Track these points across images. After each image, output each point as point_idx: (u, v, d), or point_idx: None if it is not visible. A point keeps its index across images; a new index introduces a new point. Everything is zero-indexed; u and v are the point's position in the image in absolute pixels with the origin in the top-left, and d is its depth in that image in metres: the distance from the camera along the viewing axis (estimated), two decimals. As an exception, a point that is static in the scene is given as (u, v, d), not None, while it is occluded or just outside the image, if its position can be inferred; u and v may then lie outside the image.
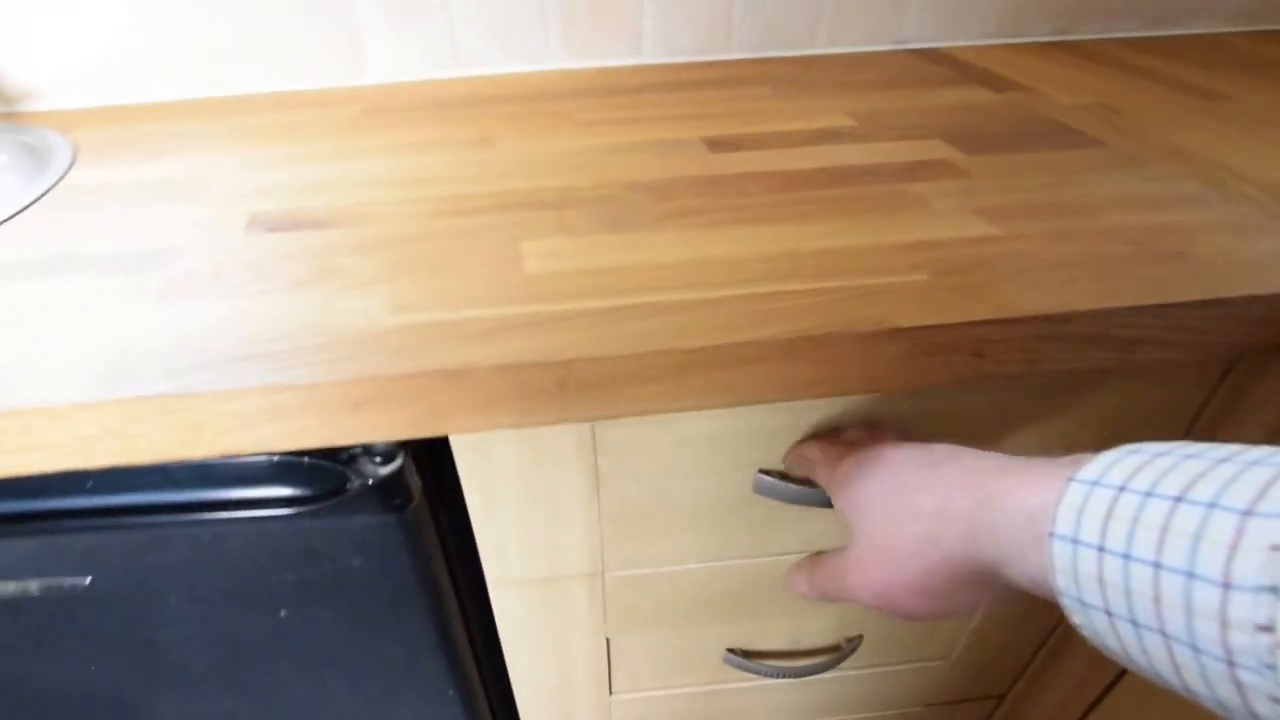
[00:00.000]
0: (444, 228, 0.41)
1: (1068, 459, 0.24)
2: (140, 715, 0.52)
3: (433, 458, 0.41)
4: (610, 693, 0.56)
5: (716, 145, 0.51)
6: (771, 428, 0.39)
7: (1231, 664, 0.18)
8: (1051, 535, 0.22)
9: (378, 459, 0.39)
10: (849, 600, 0.32)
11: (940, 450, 0.30)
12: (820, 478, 0.36)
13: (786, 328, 0.32)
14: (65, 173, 0.52)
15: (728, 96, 0.60)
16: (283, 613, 0.45)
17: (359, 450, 0.38)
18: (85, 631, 0.45)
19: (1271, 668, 0.17)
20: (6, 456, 0.31)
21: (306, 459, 0.38)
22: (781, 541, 0.45)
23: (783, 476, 0.40)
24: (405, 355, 0.31)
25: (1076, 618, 0.22)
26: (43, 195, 0.49)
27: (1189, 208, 0.39)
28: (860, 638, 0.53)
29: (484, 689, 0.54)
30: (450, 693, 0.52)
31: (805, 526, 0.44)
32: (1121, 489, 0.21)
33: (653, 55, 0.69)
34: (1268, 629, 0.17)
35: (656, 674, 0.55)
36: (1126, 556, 0.20)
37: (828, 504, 0.36)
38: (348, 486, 0.39)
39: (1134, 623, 0.20)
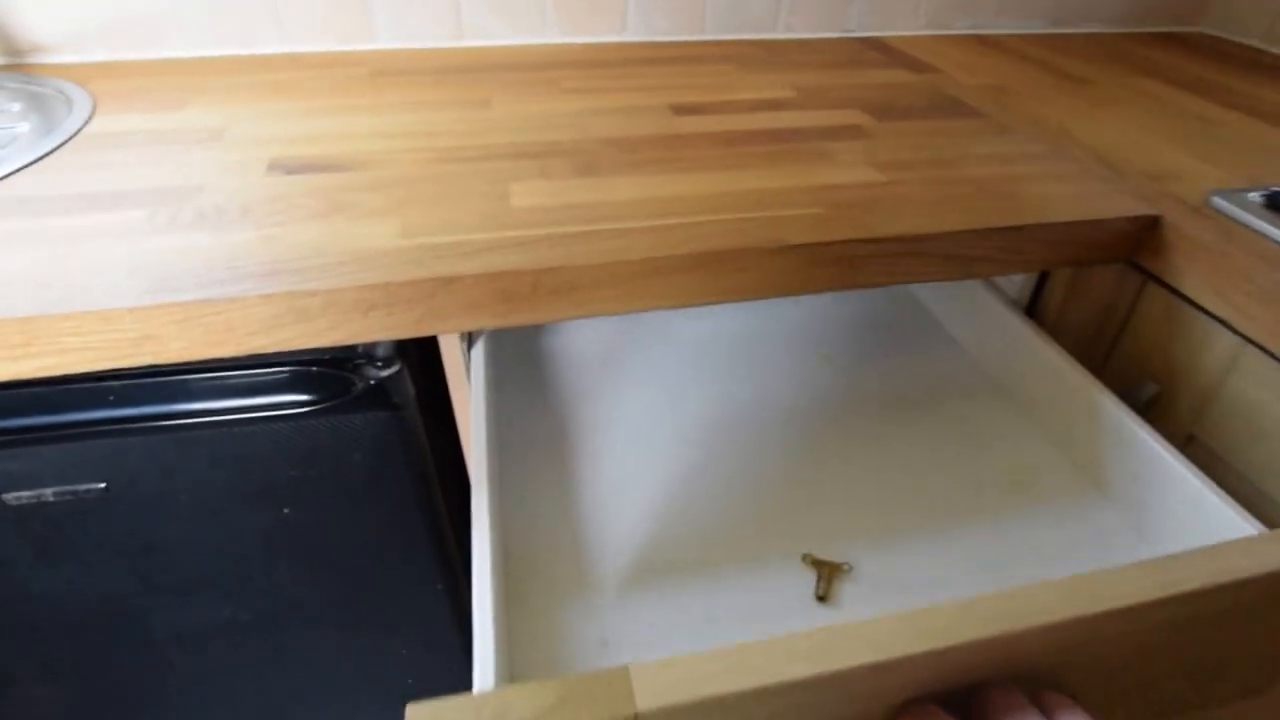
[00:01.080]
0: (445, 172, 0.48)
1: None
2: (140, 626, 0.53)
3: (426, 377, 0.48)
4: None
5: (680, 110, 0.61)
6: (875, 689, 0.28)
7: None
8: None
9: (379, 363, 0.45)
10: None
11: None
12: None
13: (711, 245, 0.42)
14: (87, 121, 0.54)
15: (696, 71, 0.71)
16: (286, 510, 0.48)
17: (363, 360, 0.45)
18: (95, 538, 0.46)
19: None
20: (56, 356, 0.36)
21: (315, 368, 0.44)
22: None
23: None
24: (410, 267, 0.38)
25: None
26: (67, 141, 0.51)
27: (1030, 162, 0.51)
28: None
29: (469, 582, 0.58)
30: (439, 586, 0.57)
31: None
32: None
33: (635, 34, 0.79)
34: None
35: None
36: None
37: None
38: (352, 389, 0.45)
39: None
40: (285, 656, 0.59)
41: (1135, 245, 0.47)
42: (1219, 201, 0.46)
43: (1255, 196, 0.45)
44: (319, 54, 0.72)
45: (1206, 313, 0.44)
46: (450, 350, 0.51)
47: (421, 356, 0.50)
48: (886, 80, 0.68)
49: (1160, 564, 0.30)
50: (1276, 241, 0.42)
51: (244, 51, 0.71)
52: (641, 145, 0.55)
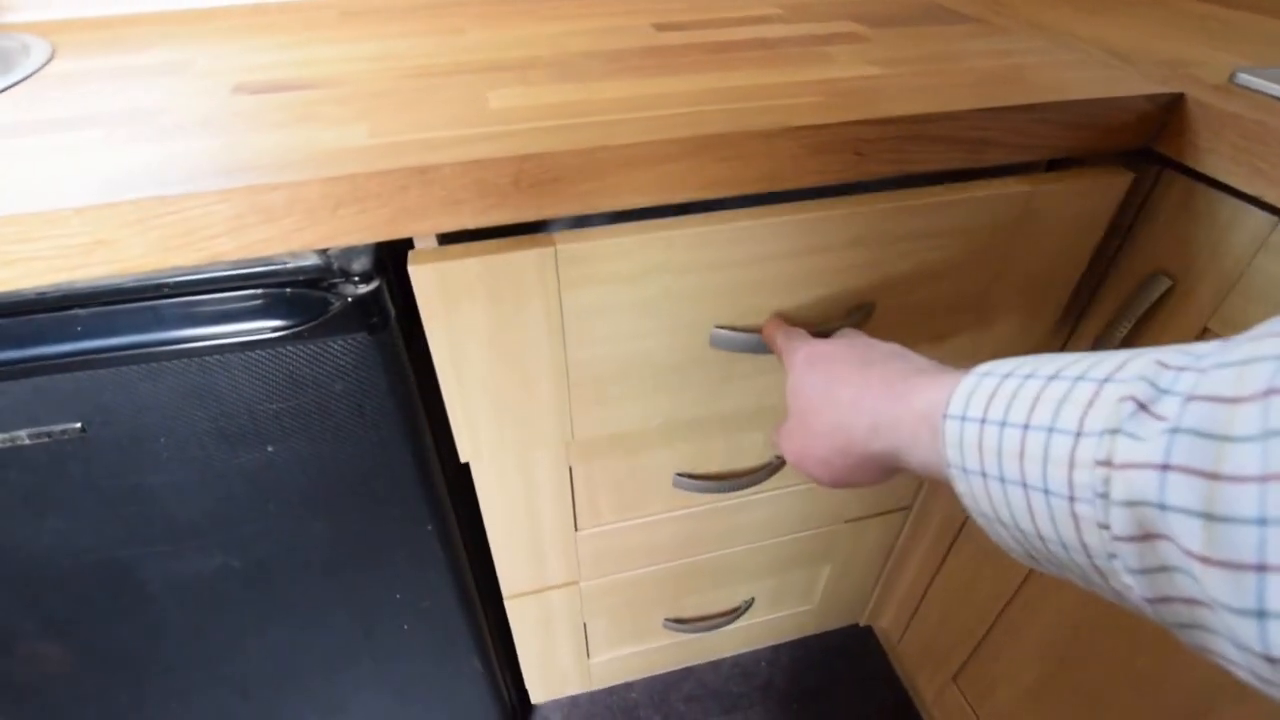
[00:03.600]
0: (416, 85, 0.46)
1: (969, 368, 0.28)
2: (134, 578, 0.51)
3: (406, 300, 0.46)
4: (575, 529, 0.63)
5: (664, 28, 0.58)
6: (727, 285, 0.44)
7: (1072, 499, 0.21)
8: (945, 416, 0.26)
9: (356, 279, 0.42)
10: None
11: (879, 350, 0.35)
12: (781, 359, 0.42)
13: (704, 130, 0.39)
14: (45, 64, 0.53)
15: (675, -4, 0.67)
16: (270, 448, 0.46)
17: (339, 278, 0.41)
18: (78, 484, 0.44)
19: (1103, 496, 0.20)
20: (2, 269, 0.33)
21: (289, 289, 0.41)
22: (734, 400, 0.51)
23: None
24: (381, 161, 0.35)
25: (959, 485, 0.26)
26: (23, 80, 0.49)
27: (1033, 55, 0.48)
28: (782, 461, 0.61)
29: (459, 524, 0.58)
30: (429, 527, 0.55)
31: (755, 383, 0.50)
32: (1006, 375, 0.25)
33: (611, -34, 0.75)
34: (1105, 463, 0.20)
35: (616, 507, 0.63)
36: (1003, 424, 0.24)
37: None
38: (329, 308, 0.41)
39: (1001, 479, 0.24)
40: (281, 606, 0.58)
41: (1156, 128, 0.44)
42: (1245, 77, 0.43)
43: None
44: (285, 3, 0.69)
45: (1233, 193, 0.42)
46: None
47: (400, 278, 0.47)
48: (876, -3, 0.65)
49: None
50: (1309, 109, 0.39)
51: (209, 5, 0.68)
52: (625, 56, 0.52)
